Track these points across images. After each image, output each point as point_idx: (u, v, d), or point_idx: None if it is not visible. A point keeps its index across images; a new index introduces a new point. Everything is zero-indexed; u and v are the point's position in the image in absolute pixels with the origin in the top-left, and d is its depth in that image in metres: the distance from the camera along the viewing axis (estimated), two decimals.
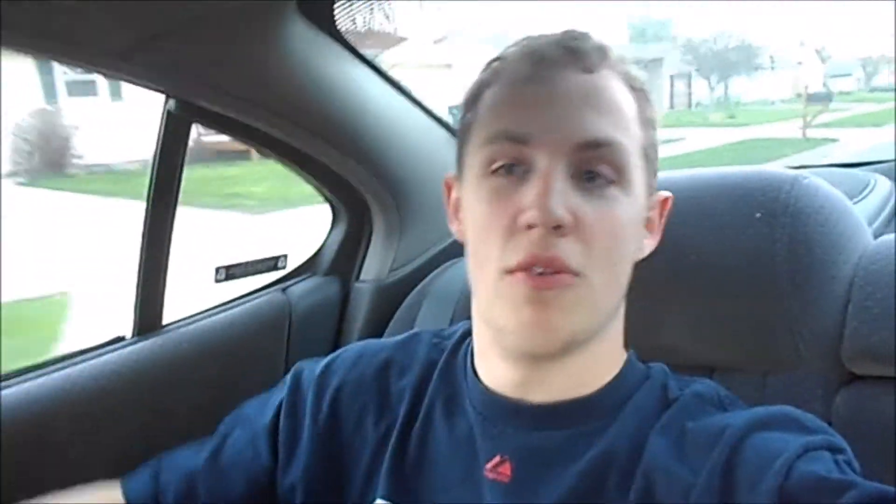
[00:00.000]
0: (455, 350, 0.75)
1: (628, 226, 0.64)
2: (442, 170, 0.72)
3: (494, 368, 0.69)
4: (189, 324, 1.06)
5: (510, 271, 0.61)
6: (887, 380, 0.75)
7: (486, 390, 0.69)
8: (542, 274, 0.60)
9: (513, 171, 0.63)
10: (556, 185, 0.60)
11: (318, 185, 1.17)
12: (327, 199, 1.21)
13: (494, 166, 0.64)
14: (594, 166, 0.62)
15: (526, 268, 0.61)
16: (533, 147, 0.62)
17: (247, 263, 1.12)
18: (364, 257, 1.20)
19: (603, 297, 0.64)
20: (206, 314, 1.08)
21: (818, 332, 0.78)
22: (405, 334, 0.81)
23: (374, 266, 1.19)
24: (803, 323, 0.78)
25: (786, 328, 0.78)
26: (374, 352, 0.78)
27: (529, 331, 0.62)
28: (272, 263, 1.16)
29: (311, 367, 0.78)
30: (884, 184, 1.18)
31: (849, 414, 0.75)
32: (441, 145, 1.19)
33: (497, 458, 0.66)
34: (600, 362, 0.68)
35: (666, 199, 0.72)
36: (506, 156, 0.63)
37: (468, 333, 0.74)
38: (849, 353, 0.77)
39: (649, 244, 0.71)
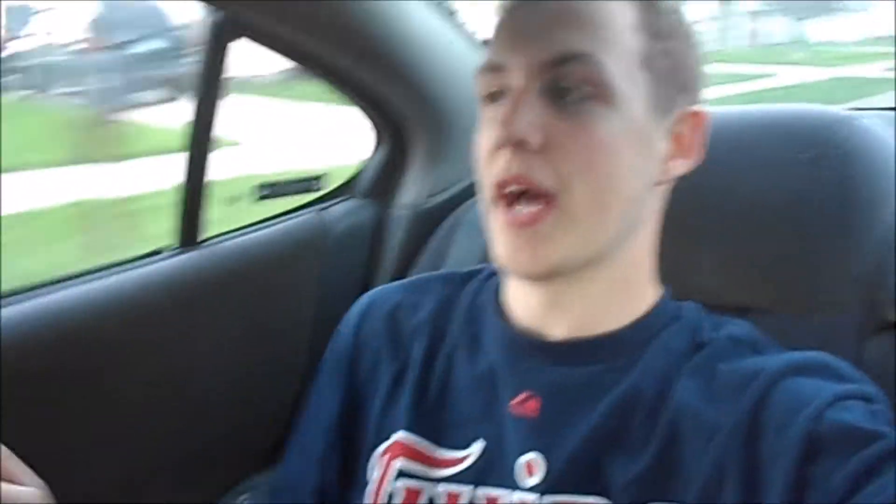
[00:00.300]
0: (480, 290, 0.75)
1: (615, 143, 0.62)
2: None
3: (517, 297, 0.70)
4: (228, 239, 1.07)
5: (493, 199, 0.64)
6: None
7: (511, 327, 0.69)
8: (520, 206, 0.62)
9: (497, 98, 0.64)
10: (523, 104, 0.61)
11: (360, 107, 1.16)
12: (369, 122, 1.20)
13: (485, 96, 0.66)
14: (567, 82, 0.61)
15: (500, 190, 0.62)
16: (508, 72, 0.63)
17: (286, 183, 1.13)
18: (402, 182, 1.20)
19: (589, 219, 0.62)
20: (244, 231, 1.10)
21: (857, 277, 0.76)
22: (413, 278, 0.83)
23: (412, 191, 1.18)
24: (843, 266, 0.76)
25: (824, 271, 0.77)
26: (383, 298, 0.79)
27: (512, 259, 0.64)
28: (311, 184, 1.16)
29: (337, 343, 0.79)
30: None
31: (881, 361, 0.73)
32: None
33: (523, 395, 0.66)
34: (622, 294, 0.67)
35: (697, 114, 0.67)
36: (490, 85, 0.65)
37: (493, 273, 0.74)
38: (886, 300, 0.75)
39: (679, 164, 0.67)
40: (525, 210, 0.62)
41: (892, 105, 1.08)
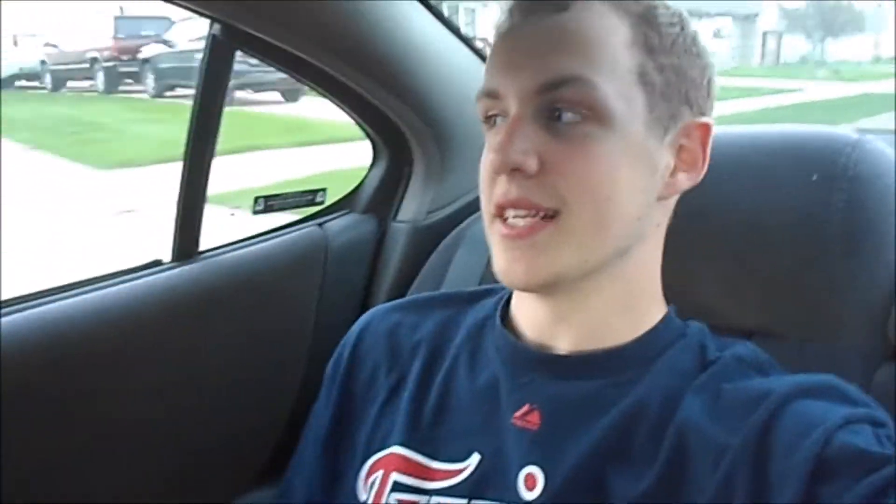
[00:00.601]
0: (485, 308, 0.75)
1: (612, 162, 0.62)
2: None
3: (522, 311, 0.70)
4: (226, 252, 1.06)
5: (493, 217, 0.64)
6: None
7: (514, 340, 0.69)
8: (517, 218, 0.62)
9: (496, 122, 0.65)
10: (518, 130, 0.62)
11: (360, 121, 1.15)
12: (369, 136, 1.19)
13: (484, 120, 0.67)
14: (561, 105, 0.61)
15: (500, 213, 0.63)
16: (504, 98, 0.64)
17: (286, 196, 1.12)
18: (403, 197, 1.19)
19: (588, 234, 0.62)
20: (242, 244, 1.09)
21: (865, 303, 0.75)
22: (414, 297, 0.84)
23: (412, 206, 1.17)
24: (851, 292, 0.75)
25: (832, 296, 0.75)
26: (383, 316, 0.79)
27: (508, 271, 0.64)
28: (311, 198, 1.15)
29: (337, 360, 0.80)
30: None
31: (890, 389, 0.71)
32: None
33: (526, 407, 0.66)
34: (626, 309, 0.67)
35: (702, 126, 0.66)
36: (488, 110, 0.66)
37: (501, 293, 0.75)
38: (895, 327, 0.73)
39: (683, 178, 0.66)
40: (522, 222, 0.62)
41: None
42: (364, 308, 1.10)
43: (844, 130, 0.81)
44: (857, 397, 0.61)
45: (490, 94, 0.65)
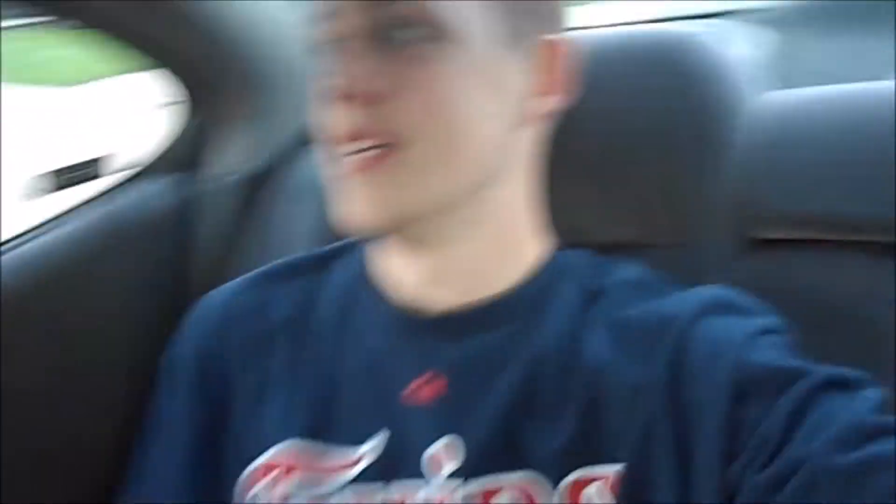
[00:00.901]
0: (347, 269, 0.68)
1: (457, 85, 0.56)
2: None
3: (391, 271, 0.64)
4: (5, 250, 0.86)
5: (331, 156, 0.59)
6: (789, 243, 0.74)
7: (391, 306, 0.64)
8: (358, 153, 0.56)
9: (334, 47, 0.58)
10: (354, 54, 0.56)
11: (151, 63, 0.94)
12: (162, 83, 0.98)
13: (322, 45, 0.60)
14: (397, 26, 0.56)
15: (338, 148, 0.57)
16: (339, 20, 0.58)
17: (64, 172, 0.93)
18: (210, 152, 1.02)
19: (435, 166, 0.57)
20: (15, 240, 0.88)
21: (719, 203, 0.76)
22: (255, 272, 0.73)
23: (223, 161, 1.01)
24: (707, 191, 0.76)
25: (688, 200, 0.76)
26: (223, 301, 0.70)
27: (352, 214, 0.58)
28: (90, 169, 0.96)
29: (177, 358, 0.70)
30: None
31: (752, 282, 0.72)
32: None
33: (426, 376, 0.61)
34: (503, 250, 0.63)
35: (554, 44, 0.61)
36: (325, 33, 0.59)
37: (355, 248, 0.68)
38: (752, 218, 0.75)
39: (542, 101, 0.62)
40: (361, 157, 0.56)
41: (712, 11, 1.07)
42: (184, 289, 0.96)
43: (681, 26, 0.80)
44: (748, 307, 0.61)
45: (325, 16, 0.58)
